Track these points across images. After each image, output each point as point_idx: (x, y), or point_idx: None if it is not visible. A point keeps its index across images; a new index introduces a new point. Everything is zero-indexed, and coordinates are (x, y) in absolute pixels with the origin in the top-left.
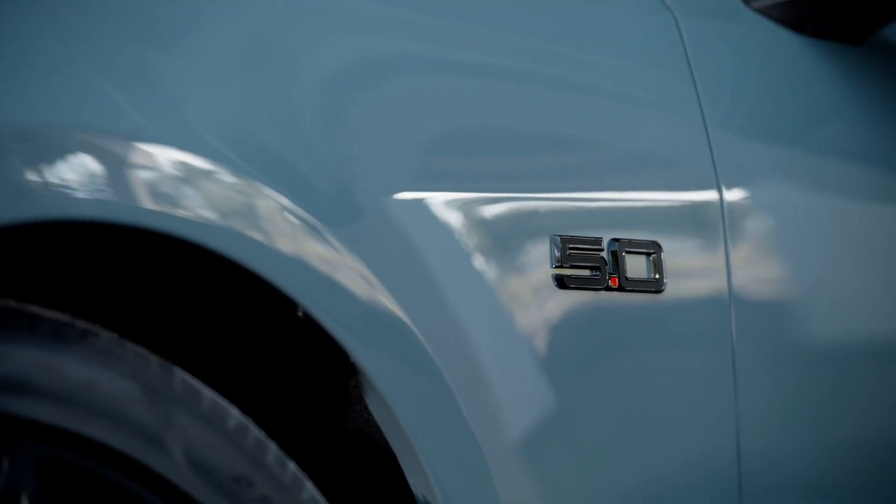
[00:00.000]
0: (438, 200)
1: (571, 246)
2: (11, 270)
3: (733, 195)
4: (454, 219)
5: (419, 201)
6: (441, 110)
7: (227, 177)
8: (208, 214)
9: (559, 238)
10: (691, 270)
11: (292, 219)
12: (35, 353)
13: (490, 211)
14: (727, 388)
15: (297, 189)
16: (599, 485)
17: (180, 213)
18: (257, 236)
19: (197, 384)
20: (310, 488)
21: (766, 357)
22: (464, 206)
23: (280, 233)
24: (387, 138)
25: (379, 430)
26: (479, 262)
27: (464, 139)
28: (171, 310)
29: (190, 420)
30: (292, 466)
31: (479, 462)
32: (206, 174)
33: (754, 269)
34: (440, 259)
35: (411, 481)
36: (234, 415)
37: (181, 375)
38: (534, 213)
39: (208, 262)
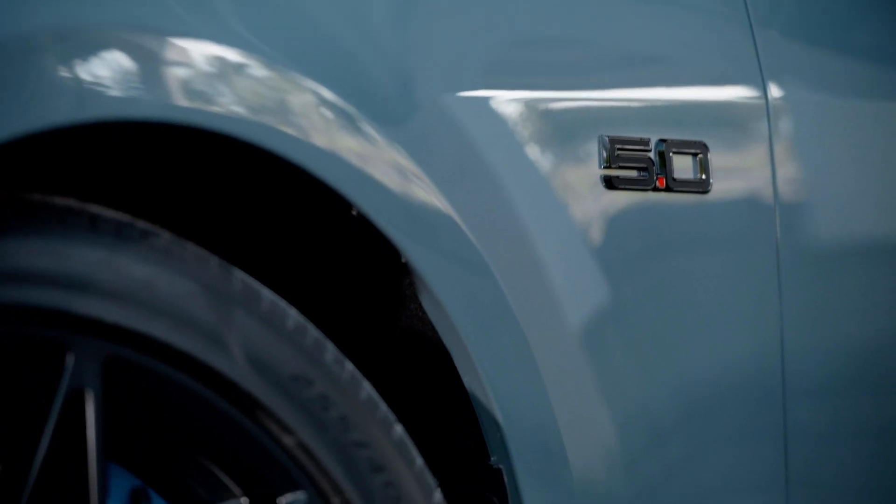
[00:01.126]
0: (495, 99)
1: (619, 147)
2: (68, 171)
3: (778, 94)
4: (508, 119)
5: (476, 99)
6: (504, 10)
7: (280, 73)
8: (262, 114)
9: (607, 139)
10: (737, 170)
11: (344, 114)
12: (97, 251)
13: (542, 111)
14: (771, 287)
15: (352, 82)
16: (651, 381)
17: (236, 111)
18: (313, 138)
19: (255, 284)
20: (367, 388)
21: (809, 256)
22: (518, 106)
23: (330, 129)
24: (452, 34)
25: (433, 329)
26: (530, 163)
27: (521, 40)
28: (229, 212)
29: (249, 319)
30: (350, 366)
31: (528, 360)
32: (262, 74)
33: (798, 169)
34: (492, 159)
35: (465, 379)
36: (293, 315)
37: (240, 275)
38: (583, 114)
39: (259, 162)
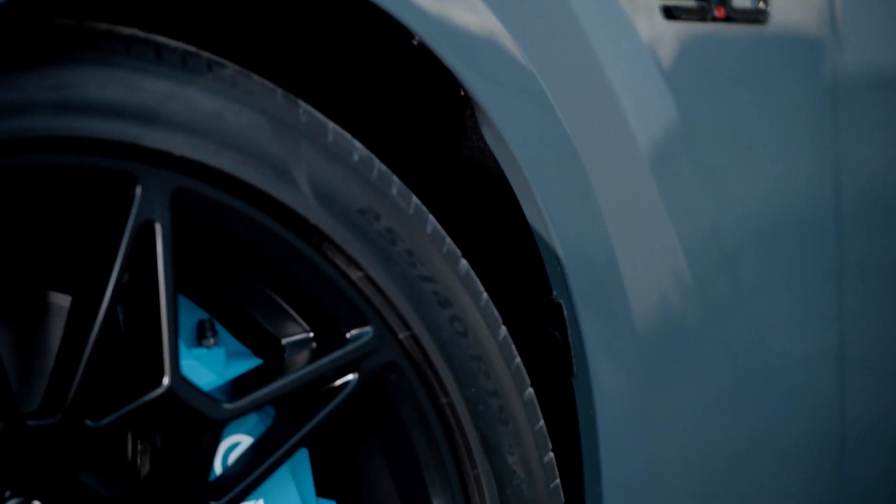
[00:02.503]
0: None
1: None
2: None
3: None
4: None
5: None
6: None
7: None
8: None
9: None
10: (794, 0)
11: None
12: (164, 83)
13: None
14: (826, 123)
15: None
16: (719, 205)
17: None
18: None
19: (321, 117)
20: (433, 222)
21: (866, 85)
22: None
23: None
24: None
25: (494, 161)
26: None
27: None
28: (294, 46)
29: (315, 152)
30: (415, 200)
31: (588, 192)
32: None
33: None
34: None
35: (526, 213)
36: (359, 148)
37: (306, 108)
38: None
39: None
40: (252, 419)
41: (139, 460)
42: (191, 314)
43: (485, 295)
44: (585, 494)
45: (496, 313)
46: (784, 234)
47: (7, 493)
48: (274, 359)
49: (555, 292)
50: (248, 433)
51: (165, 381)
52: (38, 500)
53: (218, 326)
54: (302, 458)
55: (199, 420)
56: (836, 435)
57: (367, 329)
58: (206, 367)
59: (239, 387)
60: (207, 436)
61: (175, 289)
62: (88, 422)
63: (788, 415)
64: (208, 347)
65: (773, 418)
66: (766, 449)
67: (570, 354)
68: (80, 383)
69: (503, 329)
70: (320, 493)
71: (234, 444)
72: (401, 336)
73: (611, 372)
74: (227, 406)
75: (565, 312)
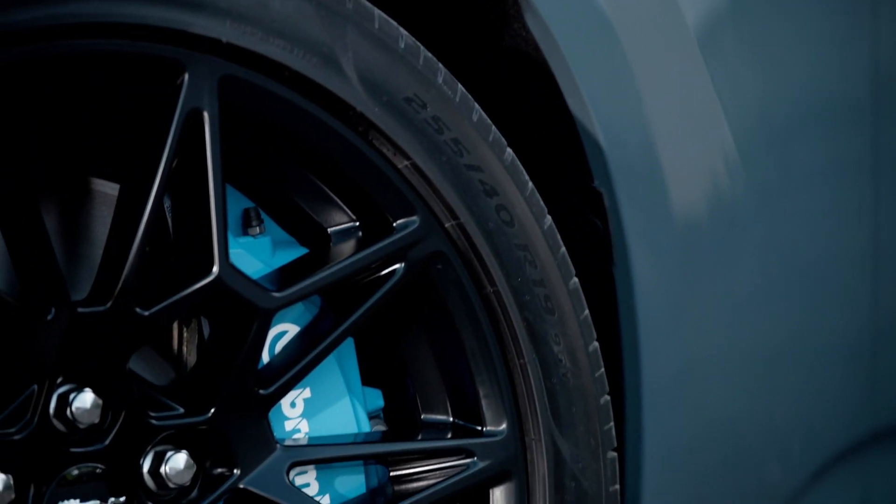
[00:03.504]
0: None
1: None
2: None
3: None
4: None
5: None
6: None
7: None
8: None
9: None
10: None
11: None
12: None
13: None
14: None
15: None
16: (767, 88)
17: None
18: None
19: (367, 4)
20: (478, 111)
21: None
22: None
23: None
24: None
25: (537, 49)
26: None
27: None
28: None
29: (362, 39)
30: (461, 88)
31: (631, 81)
32: None
33: None
34: None
35: (569, 101)
36: (405, 35)
37: None
38: None
39: None
40: (298, 308)
41: (186, 350)
42: (236, 203)
43: (530, 184)
44: (625, 388)
45: (541, 202)
46: (825, 122)
47: (59, 380)
48: (320, 248)
49: (596, 180)
50: (295, 322)
51: (214, 269)
52: (90, 387)
53: (263, 216)
54: (348, 347)
55: (248, 309)
56: (869, 332)
57: (414, 218)
58: (253, 255)
59: (286, 276)
60: (256, 324)
61: (223, 177)
62: (138, 310)
63: (823, 311)
64: (254, 236)
65: (807, 315)
66: (800, 347)
67: (611, 244)
68: (129, 271)
69: (548, 218)
70: (366, 381)
71: (281, 333)
72: (447, 225)
73: (651, 262)
74: (277, 295)
75: (606, 201)
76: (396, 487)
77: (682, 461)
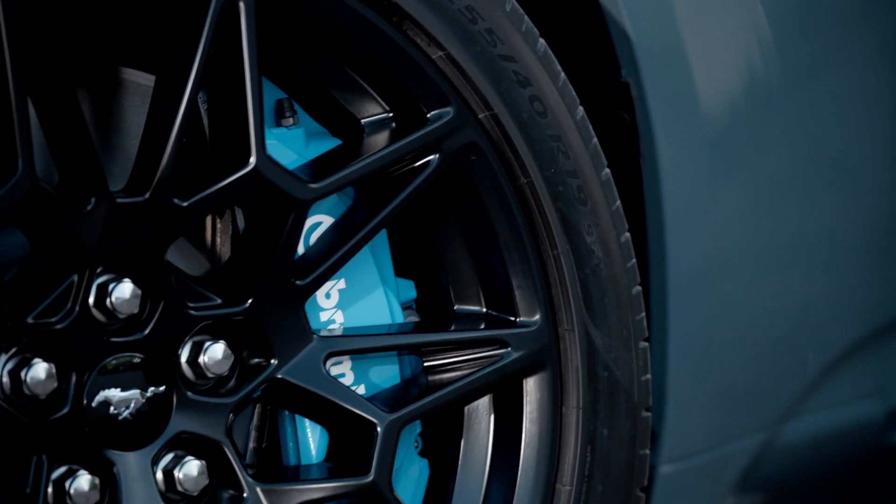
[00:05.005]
0: None
1: None
2: None
3: None
4: None
5: None
6: None
7: None
8: None
9: None
10: None
11: None
12: None
13: None
14: None
15: None
16: None
17: None
18: None
19: None
20: (511, 1)
21: None
22: None
23: None
24: None
25: None
26: None
27: None
28: None
29: None
30: None
31: None
32: None
33: None
34: None
35: None
36: None
37: None
38: None
39: None
40: (332, 199)
41: (220, 242)
42: (269, 94)
43: (562, 75)
44: (651, 279)
45: (573, 93)
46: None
47: (99, 270)
48: (353, 139)
49: (623, 70)
50: (329, 213)
51: (252, 160)
52: (129, 278)
53: (296, 107)
54: (381, 238)
55: (284, 199)
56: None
57: (448, 109)
58: (287, 146)
59: (320, 167)
60: (293, 215)
61: (260, 69)
62: (176, 200)
63: (850, 201)
64: (288, 127)
65: (834, 205)
66: (824, 237)
67: (638, 135)
68: (167, 162)
69: (580, 109)
70: (398, 273)
71: (316, 224)
72: (481, 116)
73: (677, 153)
74: (313, 186)
75: (633, 91)
76: (430, 378)
77: (706, 352)
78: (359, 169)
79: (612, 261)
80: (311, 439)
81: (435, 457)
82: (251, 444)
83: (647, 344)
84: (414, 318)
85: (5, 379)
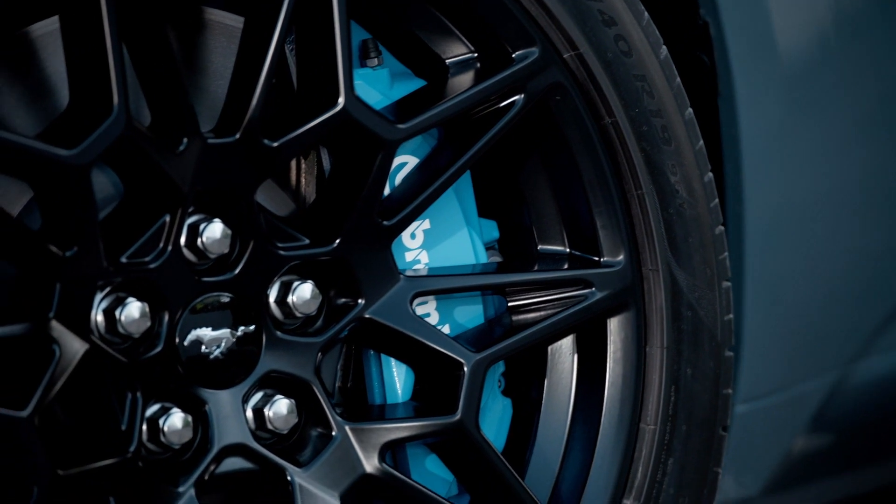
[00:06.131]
0: None
1: None
2: None
3: None
4: None
5: None
6: None
7: None
8: None
9: None
10: None
11: None
12: None
13: None
14: None
15: None
16: None
17: None
18: None
19: None
20: None
21: None
22: None
23: None
24: None
25: None
26: None
27: None
28: None
29: None
30: None
31: None
32: None
33: None
34: None
35: None
36: None
37: None
38: None
39: None
40: (417, 139)
41: (305, 182)
42: (355, 34)
43: (646, 14)
44: (727, 220)
45: (657, 32)
46: None
47: (190, 210)
48: (438, 80)
49: (702, 11)
50: (414, 154)
51: (340, 100)
52: (219, 218)
53: (381, 47)
54: (465, 179)
55: (372, 140)
56: None
57: (533, 49)
58: (372, 87)
59: (405, 107)
60: (381, 156)
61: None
62: (266, 141)
63: None
64: (373, 68)
65: None
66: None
67: (716, 75)
68: (257, 103)
69: (664, 48)
70: (482, 213)
71: (401, 165)
72: (566, 56)
73: (755, 93)
74: (401, 126)
75: (712, 31)
76: (514, 318)
77: (780, 294)
78: (445, 109)
79: (695, 200)
80: (397, 379)
81: (518, 397)
82: (337, 384)
83: (729, 284)
84: (497, 259)
85: (100, 318)
